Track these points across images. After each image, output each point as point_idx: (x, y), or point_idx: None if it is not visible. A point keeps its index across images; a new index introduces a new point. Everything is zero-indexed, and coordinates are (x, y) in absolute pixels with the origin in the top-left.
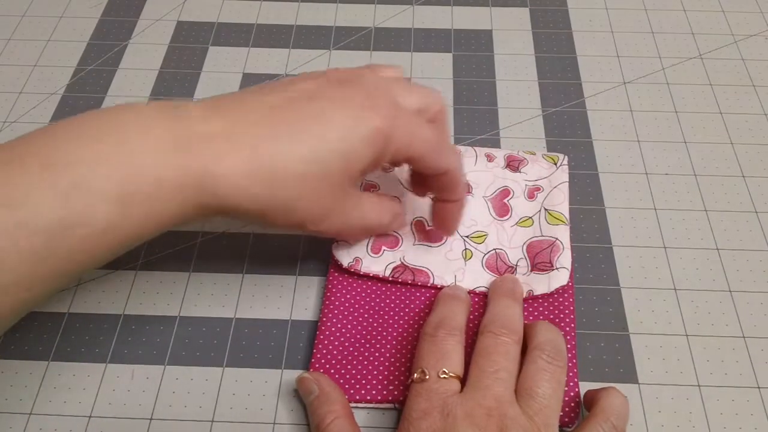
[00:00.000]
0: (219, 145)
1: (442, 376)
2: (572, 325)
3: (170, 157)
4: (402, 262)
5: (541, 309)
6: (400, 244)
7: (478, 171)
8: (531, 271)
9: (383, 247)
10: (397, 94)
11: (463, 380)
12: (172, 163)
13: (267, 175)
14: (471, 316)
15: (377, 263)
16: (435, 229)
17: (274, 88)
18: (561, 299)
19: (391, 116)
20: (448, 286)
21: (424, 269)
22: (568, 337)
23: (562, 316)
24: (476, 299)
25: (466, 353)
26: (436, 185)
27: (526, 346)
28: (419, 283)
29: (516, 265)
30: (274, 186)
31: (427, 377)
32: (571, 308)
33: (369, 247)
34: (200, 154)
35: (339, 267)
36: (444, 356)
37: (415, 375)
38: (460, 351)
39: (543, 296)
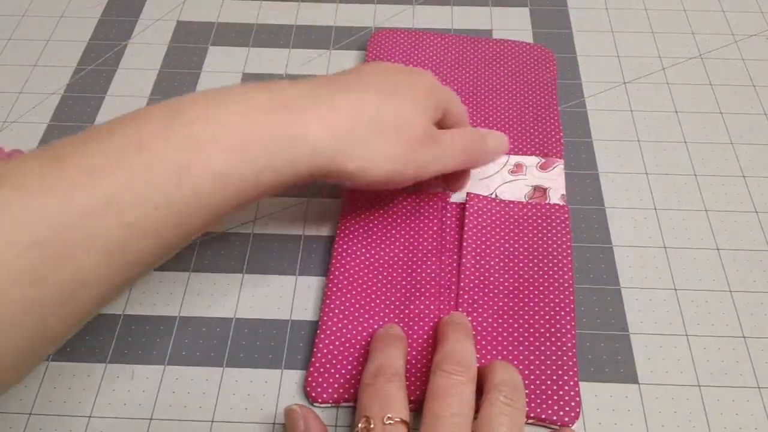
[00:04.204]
0: (305, 101)
1: (387, 422)
2: (572, 323)
3: (262, 117)
4: None
5: (541, 305)
6: None
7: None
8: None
9: None
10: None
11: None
12: (263, 123)
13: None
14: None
15: None
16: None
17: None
18: (561, 297)
19: (435, 89)
20: (382, 327)
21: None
22: (569, 335)
23: (562, 314)
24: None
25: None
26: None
27: (481, 386)
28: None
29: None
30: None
31: (372, 426)
32: (571, 306)
33: None
34: (290, 112)
35: (340, 266)
36: (387, 402)
37: (360, 425)
38: (402, 395)
39: (542, 295)
